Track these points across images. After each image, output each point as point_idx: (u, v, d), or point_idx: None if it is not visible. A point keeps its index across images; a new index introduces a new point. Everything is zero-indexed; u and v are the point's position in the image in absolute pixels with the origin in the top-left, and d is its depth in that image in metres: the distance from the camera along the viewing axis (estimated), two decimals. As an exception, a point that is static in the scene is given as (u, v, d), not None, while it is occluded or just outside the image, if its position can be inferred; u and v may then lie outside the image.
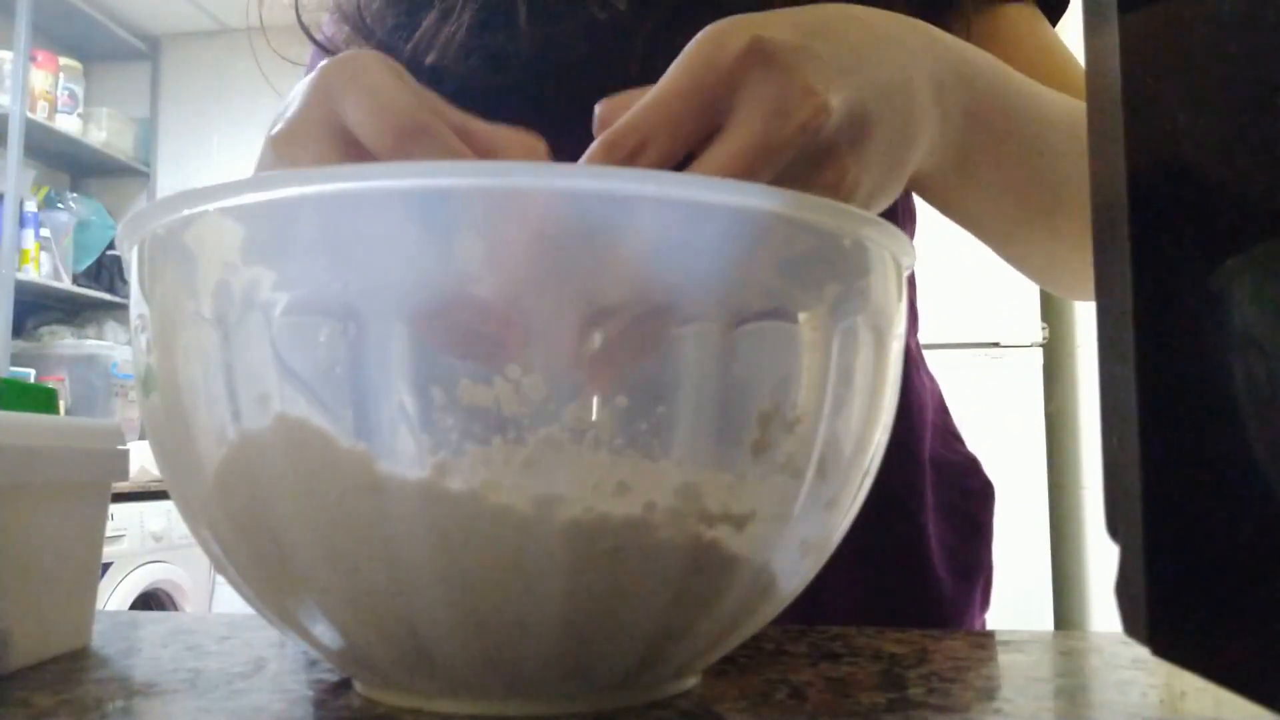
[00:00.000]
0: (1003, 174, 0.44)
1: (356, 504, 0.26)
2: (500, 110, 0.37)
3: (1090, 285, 0.52)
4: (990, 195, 0.45)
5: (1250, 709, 0.19)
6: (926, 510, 0.60)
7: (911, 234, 0.62)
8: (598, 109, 0.35)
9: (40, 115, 3.05)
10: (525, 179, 0.26)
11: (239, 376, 0.27)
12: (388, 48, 0.56)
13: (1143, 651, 0.22)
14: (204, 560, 2.63)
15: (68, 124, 3.18)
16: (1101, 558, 2.49)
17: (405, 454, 0.26)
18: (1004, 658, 0.39)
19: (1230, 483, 0.20)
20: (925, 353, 0.69)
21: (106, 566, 2.31)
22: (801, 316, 0.28)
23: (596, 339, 0.26)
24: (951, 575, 0.61)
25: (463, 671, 0.29)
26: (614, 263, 0.26)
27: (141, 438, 0.44)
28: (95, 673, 0.36)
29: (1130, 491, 0.21)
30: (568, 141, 0.47)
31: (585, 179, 0.26)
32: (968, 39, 0.52)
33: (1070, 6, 0.62)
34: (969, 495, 0.64)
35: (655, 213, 0.26)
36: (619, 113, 0.32)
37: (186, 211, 0.28)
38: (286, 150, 0.34)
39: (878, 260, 0.30)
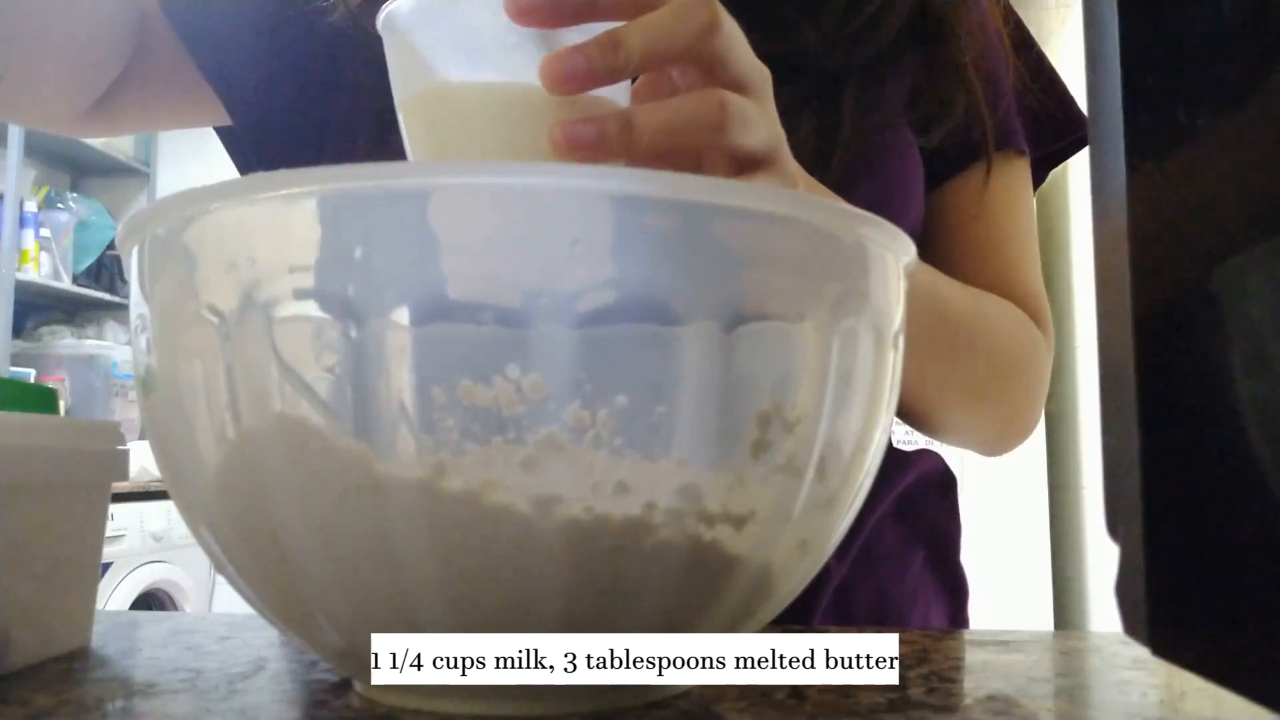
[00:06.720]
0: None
1: (356, 504, 0.26)
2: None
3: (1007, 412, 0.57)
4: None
5: (1250, 709, 0.19)
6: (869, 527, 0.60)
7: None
8: None
9: (40, 115, 3.04)
10: (524, 178, 0.26)
11: (239, 376, 0.27)
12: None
13: (1143, 651, 0.22)
14: (204, 560, 2.63)
15: (67, 124, 3.18)
16: (1101, 558, 2.49)
17: (405, 454, 0.26)
18: (1004, 658, 0.39)
19: (1230, 483, 0.20)
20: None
21: (106, 566, 2.31)
22: (801, 316, 0.28)
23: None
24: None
25: (463, 671, 0.29)
26: (614, 261, 0.26)
27: (141, 438, 0.44)
28: (95, 673, 0.36)
29: (1130, 491, 0.21)
30: None
31: (586, 178, 0.26)
32: (986, 183, 0.61)
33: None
34: (921, 493, 0.63)
35: (656, 213, 0.26)
36: None
37: (186, 211, 0.28)
38: None
39: (878, 260, 0.30)
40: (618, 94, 0.35)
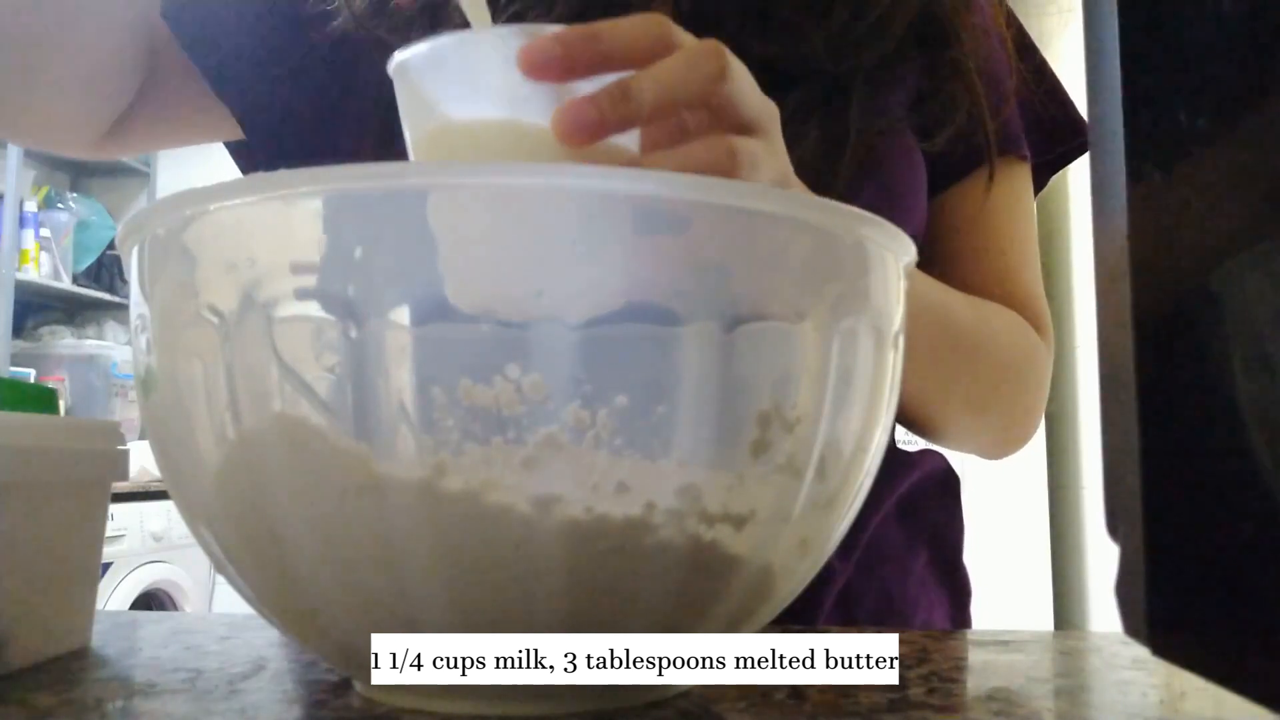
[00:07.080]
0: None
1: (356, 504, 0.26)
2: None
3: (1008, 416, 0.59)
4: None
5: (1250, 709, 0.19)
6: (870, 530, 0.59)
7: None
8: None
9: (40, 115, 3.04)
10: (525, 179, 0.26)
11: (239, 376, 0.27)
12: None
13: (1143, 651, 0.22)
14: (204, 560, 2.63)
15: (68, 124, 3.18)
16: (1101, 558, 2.49)
17: (405, 454, 0.26)
18: (1004, 658, 0.39)
19: (1230, 483, 0.20)
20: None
21: (106, 566, 2.31)
22: (801, 316, 0.28)
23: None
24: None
25: (463, 671, 0.29)
26: (615, 261, 0.26)
27: (141, 438, 0.45)
28: (95, 673, 0.36)
29: (1130, 491, 0.21)
30: None
31: (586, 178, 0.26)
32: (988, 189, 0.60)
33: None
34: (923, 494, 0.63)
35: (656, 213, 0.26)
36: None
37: (186, 211, 0.28)
38: None
39: (878, 260, 0.30)
40: (628, 135, 0.35)
